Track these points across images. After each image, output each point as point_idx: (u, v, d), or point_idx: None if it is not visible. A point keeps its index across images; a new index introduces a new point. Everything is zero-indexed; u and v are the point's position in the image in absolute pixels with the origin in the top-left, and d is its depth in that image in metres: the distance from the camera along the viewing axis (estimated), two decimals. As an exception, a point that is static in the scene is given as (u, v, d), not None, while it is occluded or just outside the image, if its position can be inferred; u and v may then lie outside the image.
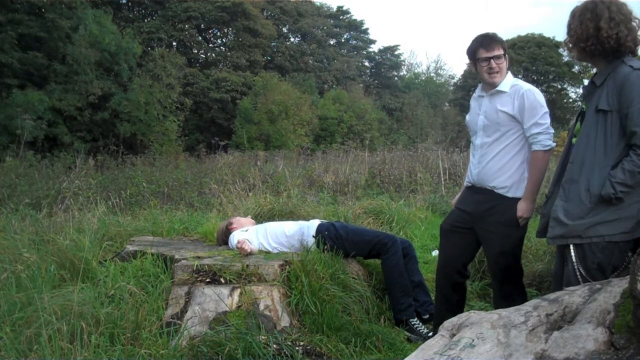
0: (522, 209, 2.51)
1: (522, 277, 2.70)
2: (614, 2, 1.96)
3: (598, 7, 1.95)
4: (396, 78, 36.99)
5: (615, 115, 1.91)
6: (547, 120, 2.50)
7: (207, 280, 2.85)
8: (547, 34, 31.47)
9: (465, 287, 2.86)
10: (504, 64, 2.56)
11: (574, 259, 1.98)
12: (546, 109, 2.50)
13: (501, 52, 2.54)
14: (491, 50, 2.53)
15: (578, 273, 1.96)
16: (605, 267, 1.91)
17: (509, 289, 2.60)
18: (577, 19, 1.99)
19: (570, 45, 2.06)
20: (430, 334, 2.93)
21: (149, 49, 22.32)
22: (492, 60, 2.52)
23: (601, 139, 1.94)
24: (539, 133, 2.47)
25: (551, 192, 2.16)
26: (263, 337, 2.50)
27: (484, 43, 2.56)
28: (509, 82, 2.56)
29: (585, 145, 1.99)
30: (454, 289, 2.78)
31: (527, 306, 1.62)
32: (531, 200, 2.52)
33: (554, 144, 2.50)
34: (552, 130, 2.50)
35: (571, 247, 1.99)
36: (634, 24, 1.95)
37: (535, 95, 2.50)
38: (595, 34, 1.94)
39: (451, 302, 2.77)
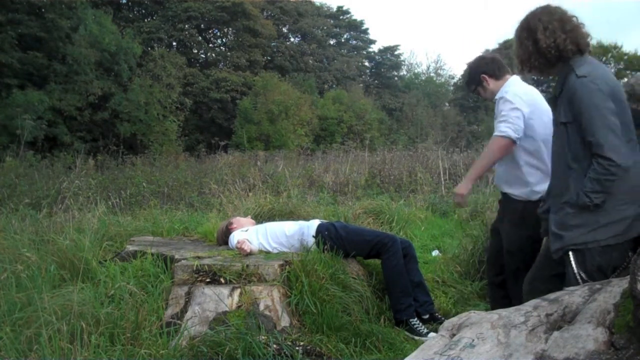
0: (458, 186, 2.73)
1: None
2: (544, 12, 2.00)
3: (530, 22, 2.01)
4: (396, 78, 36.98)
5: (575, 126, 1.93)
6: (513, 113, 2.54)
7: (207, 280, 2.85)
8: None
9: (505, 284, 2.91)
10: (482, 91, 2.86)
11: (573, 264, 1.98)
12: (514, 106, 2.55)
13: (472, 89, 2.93)
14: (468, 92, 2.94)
15: (579, 277, 1.96)
16: (605, 269, 1.92)
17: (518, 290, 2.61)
18: (517, 41, 2.06)
19: (521, 68, 2.09)
20: (431, 333, 2.93)
21: (149, 49, 22.32)
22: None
23: (569, 151, 1.97)
24: (499, 122, 2.58)
25: (545, 198, 2.21)
26: (263, 337, 2.50)
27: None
28: (499, 91, 2.74)
29: (558, 158, 2.04)
30: (496, 285, 2.93)
31: (527, 306, 1.62)
32: (468, 179, 2.67)
33: (512, 133, 2.52)
34: (514, 121, 2.52)
35: (570, 253, 1.99)
36: (571, 24, 1.97)
37: (506, 96, 2.61)
38: (535, 50, 1.99)
39: (495, 298, 2.92)
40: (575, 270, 1.97)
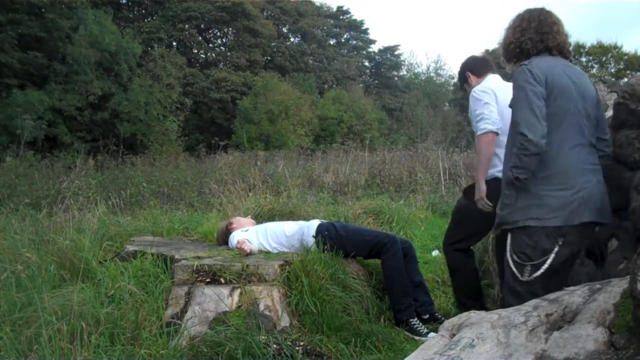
0: (475, 193, 2.76)
1: None
2: (527, 12, 2.18)
3: (512, 20, 2.22)
4: (396, 78, 36.97)
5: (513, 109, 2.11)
6: (485, 109, 2.71)
7: (207, 280, 2.85)
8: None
9: None
10: (467, 88, 3.04)
11: (508, 246, 2.10)
12: (484, 101, 2.72)
13: (461, 86, 3.17)
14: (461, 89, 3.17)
15: (510, 258, 2.07)
16: (530, 252, 2.01)
17: None
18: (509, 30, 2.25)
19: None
20: (431, 333, 2.93)
21: (149, 49, 22.31)
22: None
23: (509, 133, 2.16)
24: (477, 122, 2.74)
25: None
26: (263, 337, 2.50)
27: None
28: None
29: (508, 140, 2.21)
30: None
31: (527, 306, 1.62)
32: (479, 181, 2.74)
33: (490, 126, 2.69)
34: (489, 115, 2.69)
35: (508, 235, 2.10)
36: (548, 28, 2.11)
37: (474, 94, 2.80)
38: (504, 43, 2.24)
39: None
40: (508, 253, 2.09)
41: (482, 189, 2.70)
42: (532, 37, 2.11)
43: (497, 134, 2.69)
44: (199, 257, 3.06)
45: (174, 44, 25.45)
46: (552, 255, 1.98)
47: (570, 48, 2.23)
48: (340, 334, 2.74)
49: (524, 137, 1.96)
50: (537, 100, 1.97)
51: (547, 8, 2.17)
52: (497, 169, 2.69)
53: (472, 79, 3.01)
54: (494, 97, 2.73)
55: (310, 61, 30.96)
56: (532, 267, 2.01)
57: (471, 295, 3.03)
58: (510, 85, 2.79)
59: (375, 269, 3.44)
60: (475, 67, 3.02)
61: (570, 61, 2.20)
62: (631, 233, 2.16)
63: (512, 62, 2.21)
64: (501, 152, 2.57)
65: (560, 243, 1.97)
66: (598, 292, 1.58)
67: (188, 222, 4.47)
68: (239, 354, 2.34)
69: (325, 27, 33.77)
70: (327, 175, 8.90)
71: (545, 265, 1.98)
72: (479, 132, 2.72)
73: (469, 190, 2.90)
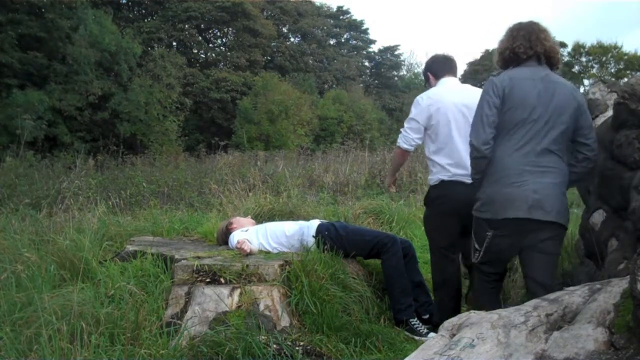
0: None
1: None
2: (521, 24, 2.36)
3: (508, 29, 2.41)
4: (396, 78, 36.98)
5: None
6: (408, 124, 2.96)
7: (207, 280, 2.85)
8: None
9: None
10: (428, 86, 3.12)
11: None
12: (412, 116, 2.93)
13: (425, 85, 3.21)
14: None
15: (474, 242, 2.38)
16: (479, 240, 2.33)
17: None
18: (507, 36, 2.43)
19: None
20: (431, 333, 2.93)
21: (149, 49, 22.32)
22: None
23: None
24: (400, 132, 3.03)
25: None
26: (263, 337, 2.50)
27: None
28: None
29: None
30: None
31: (527, 306, 1.62)
32: (388, 178, 3.34)
33: (404, 145, 2.98)
34: (408, 134, 2.96)
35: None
36: (535, 36, 2.29)
37: (414, 102, 2.97)
38: (498, 50, 2.42)
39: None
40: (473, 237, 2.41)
41: (387, 182, 3.36)
42: (523, 44, 2.28)
43: (409, 152, 3.03)
44: (199, 257, 3.06)
45: (174, 44, 25.46)
46: (485, 245, 2.29)
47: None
48: (340, 334, 2.74)
49: (470, 142, 2.29)
50: (488, 109, 2.24)
51: (536, 20, 2.39)
52: (442, 174, 2.90)
53: (432, 80, 3.08)
54: (426, 111, 2.87)
55: (310, 61, 30.96)
56: (477, 253, 2.36)
57: (451, 294, 3.05)
58: (465, 87, 3.03)
59: (375, 269, 3.44)
60: (433, 69, 3.09)
61: (558, 68, 2.37)
62: (631, 233, 2.16)
63: (507, 68, 2.36)
64: (439, 158, 2.89)
65: (489, 234, 2.26)
66: (598, 292, 1.58)
67: (188, 222, 4.47)
68: (239, 354, 2.34)
69: (325, 27, 33.78)
70: (327, 175, 8.89)
71: (482, 252, 2.32)
72: (396, 144, 3.05)
73: (427, 199, 3.08)
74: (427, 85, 3.16)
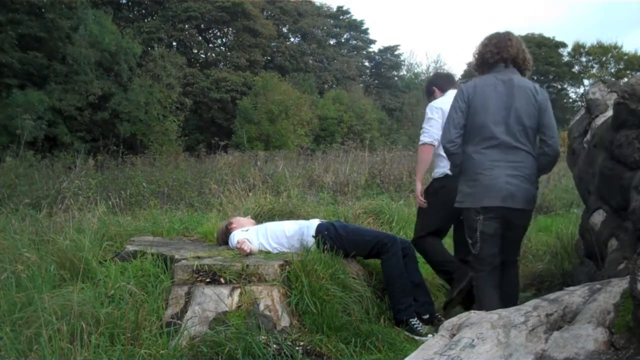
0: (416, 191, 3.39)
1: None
2: (495, 35, 2.71)
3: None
4: (396, 78, 36.97)
5: None
6: (427, 124, 3.32)
7: (207, 280, 2.85)
8: (547, 34, 31.55)
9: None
10: (432, 99, 3.49)
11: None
12: (429, 116, 3.31)
13: (428, 98, 3.60)
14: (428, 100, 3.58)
15: (468, 237, 2.66)
16: (467, 228, 2.65)
17: None
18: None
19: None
20: (431, 334, 2.93)
21: (149, 49, 22.31)
22: None
23: None
24: (420, 134, 3.35)
25: None
26: (263, 337, 2.50)
27: None
28: None
29: None
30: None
31: (527, 306, 1.62)
32: (417, 182, 3.39)
33: (427, 139, 3.29)
34: (428, 130, 3.28)
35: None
36: (504, 45, 2.63)
37: (427, 109, 3.36)
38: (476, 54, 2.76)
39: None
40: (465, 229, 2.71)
41: (417, 188, 3.35)
42: (492, 50, 2.64)
43: (433, 145, 3.28)
44: (199, 257, 3.06)
45: (174, 44, 25.46)
46: (479, 230, 2.58)
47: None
48: (340, 334, 2.73)
49: (440, 141, 2.71)
50: (455, 113, 2.62)
51: (510, 30, 2.74)
52: (446, 168, 3.18)
53: (437, 93, 3.51)
54: (440, 113, 3.23)
55: (310, 61, 30.96)
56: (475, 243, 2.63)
57: (448, 260, 3.33)
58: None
59: (375, 269, 3.43)
60: (439, 83, 3.57)
61: (530, 71, 2.75)
62: (631, 233, 2.16)
63: (479, 71, 2.74)
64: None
65: (480, 218, 2.55)
66: (598, 292, 1.58)
67: (188, 222, 4.47)
68: (239, 354, 2.34)
69: (325, 27, 33.77)
70: (327, 175, 8.89)
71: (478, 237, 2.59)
72: (419, 144, 3.35)
73: (429, 189, 3.40)
74: (430, 98, 3.55)
